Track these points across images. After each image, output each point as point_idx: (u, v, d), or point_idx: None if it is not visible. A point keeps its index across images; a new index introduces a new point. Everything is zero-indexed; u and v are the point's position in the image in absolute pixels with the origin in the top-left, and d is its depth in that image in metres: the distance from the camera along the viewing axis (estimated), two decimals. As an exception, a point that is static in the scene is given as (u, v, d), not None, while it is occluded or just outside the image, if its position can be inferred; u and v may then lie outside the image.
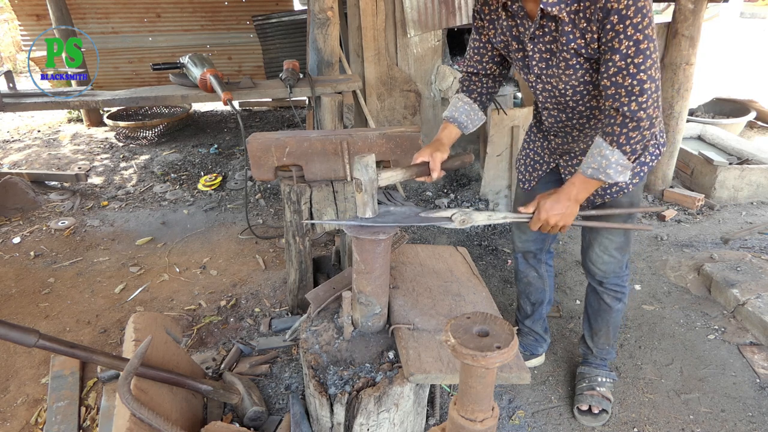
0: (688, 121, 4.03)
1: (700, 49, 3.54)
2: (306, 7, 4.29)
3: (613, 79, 1.41)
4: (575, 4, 1.40)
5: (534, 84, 1.69)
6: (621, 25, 1.34)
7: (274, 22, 5.54)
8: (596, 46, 1.43)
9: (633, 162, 1.52)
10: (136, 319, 1.82)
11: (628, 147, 1.46)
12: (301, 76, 3.21)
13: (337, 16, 3.21)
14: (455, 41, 4.46)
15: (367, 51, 3.70)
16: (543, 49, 1.56)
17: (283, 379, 2.15)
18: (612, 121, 1.46)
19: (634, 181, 1.73)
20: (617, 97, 1.43)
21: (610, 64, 1.40)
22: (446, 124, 1.81)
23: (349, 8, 3.70)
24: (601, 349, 2.12)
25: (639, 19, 1.33)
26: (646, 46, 1.35)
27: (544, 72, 1.61)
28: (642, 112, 1.41)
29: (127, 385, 1.44)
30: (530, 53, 1.59)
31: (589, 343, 2.13)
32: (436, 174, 1.65)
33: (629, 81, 1.39)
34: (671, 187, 3.89)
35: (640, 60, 1.36)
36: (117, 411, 1.50)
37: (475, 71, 1.82)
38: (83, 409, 2.06)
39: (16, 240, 3.38)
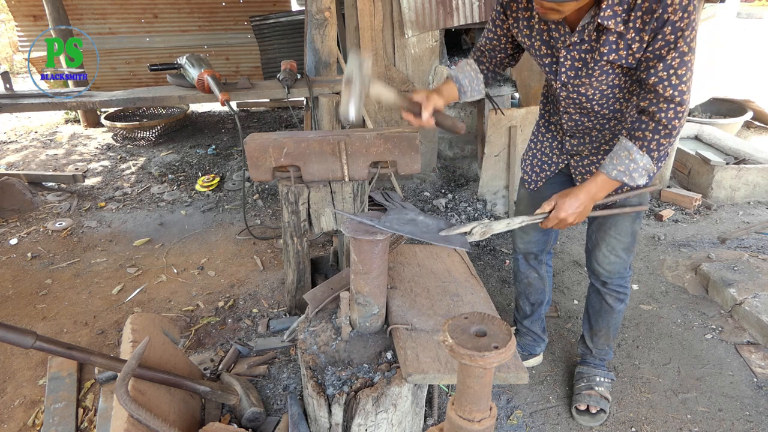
0: (685, 121, 4.04)
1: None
2: (303, 8, 4.29)
3: (654, 87, 1.42)
4: (624, 15, 1.40)
5: (558, 89, 1.68)
6: (672, 36, 1.35)
7: (271, 22, 5.54)
8: (639, 56, 1.43)
9: (657, 167, 1.53)
10: (134, 320, 1.82)
11: (656, 153, 1.47)
12: (299, 76, 3.21)
13: (334, 17, 3.21)
14: (453, 42, 4.46)
15: (365, 51, 3.70)
16: (576, 57, 1.55)
17: (281, 380, 2.15)
18: (644, 126, 1.46)
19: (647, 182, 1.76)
20: (655, 102, 1.43)
21: (652, 71, 1.41)
22: (448, 81, 1.78)
23: (346, 9, 3.70)
24: (600, 350, 2.12)
25: (689, 33, 1.35)
26: (689, 58, 1.38)
27: (572, 81, 1.60)
28: (677, 121, 1.43)
29: (124, 386, 1.44)
30: (561, 60, 1.58)
31: (589, 344, 2.13)
32: (426, 115, 1.59)
33: (670, 92, 1.40)
34: (668, 186, 3.90)
35: (683, 72, 1.39)
36: (114, 412, 1.49)
37: (485, 53, 1.83)
38: (81, 410, 2.05)
39: (13, 241, 3.37)
